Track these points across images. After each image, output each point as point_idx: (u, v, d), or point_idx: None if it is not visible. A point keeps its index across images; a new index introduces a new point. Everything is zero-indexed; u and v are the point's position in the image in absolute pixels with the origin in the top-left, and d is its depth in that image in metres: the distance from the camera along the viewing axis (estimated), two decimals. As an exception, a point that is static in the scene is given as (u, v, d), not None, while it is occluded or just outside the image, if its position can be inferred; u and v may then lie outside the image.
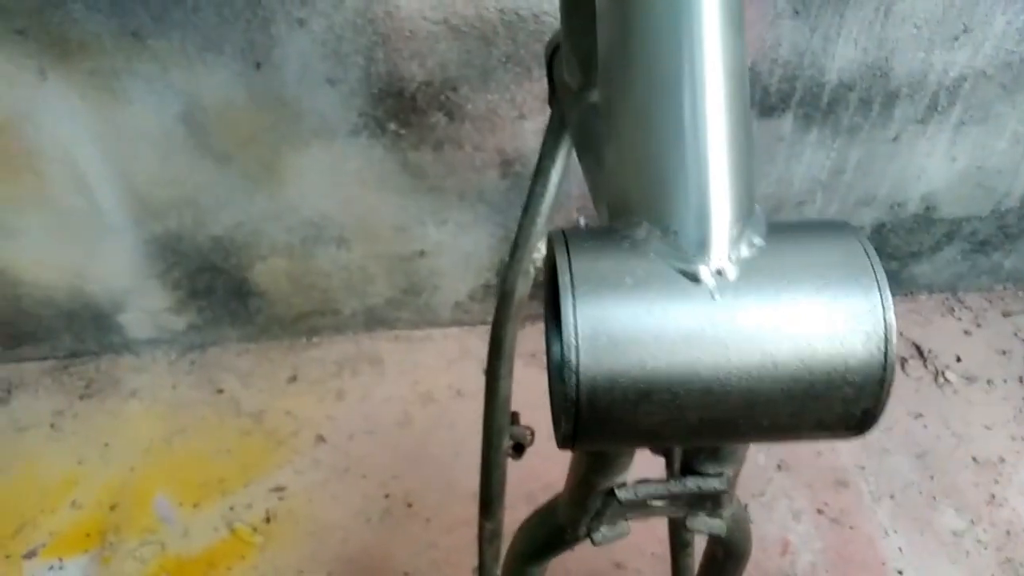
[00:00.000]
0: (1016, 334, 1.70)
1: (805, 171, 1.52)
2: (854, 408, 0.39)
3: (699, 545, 0.76)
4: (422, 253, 1.58)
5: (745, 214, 0.41)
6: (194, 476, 1.44)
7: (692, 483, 0.51)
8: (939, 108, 1.46)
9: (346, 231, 1.52)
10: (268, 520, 1.37)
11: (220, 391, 1.60)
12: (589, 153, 0.67)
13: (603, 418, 0.39)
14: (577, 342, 0.38)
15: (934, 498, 1.39)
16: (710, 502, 0.54)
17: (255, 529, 1.36)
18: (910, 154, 1.53)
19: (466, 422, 1.51)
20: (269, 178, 1.41)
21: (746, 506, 1.35)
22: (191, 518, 1.38)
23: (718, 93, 0.41)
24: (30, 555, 1.34)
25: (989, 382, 1.60)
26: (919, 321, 1.72)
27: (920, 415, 1.52)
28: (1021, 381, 1.60)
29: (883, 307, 0.38)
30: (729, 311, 0.38)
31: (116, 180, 1.37)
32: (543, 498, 0.65)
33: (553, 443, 0.43)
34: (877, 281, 0.39)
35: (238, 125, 1.33)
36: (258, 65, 1.24)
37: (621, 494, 0.52)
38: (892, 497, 1.39)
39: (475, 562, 1.10)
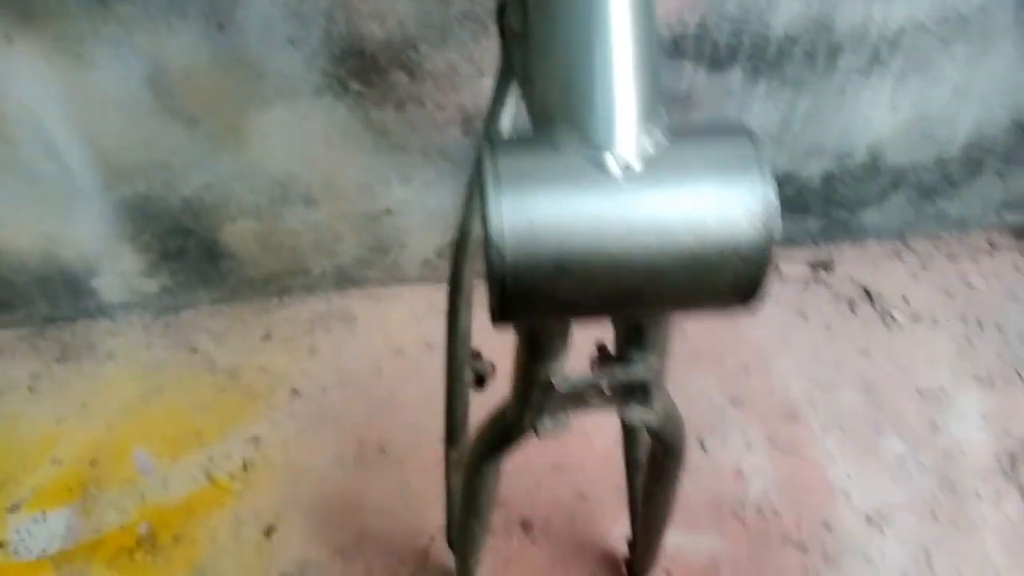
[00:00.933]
0: (960, 277, 1.78)
1: (755, 122, 1.58)
2: (743, 279, 0.45)
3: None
4: (388, 211, 1.63)
5: (649, 117, 0.47)
6: (172, 431, 1.49)
7: (620, 371, 0.58)
8: (881, 60, 1.52)
9: (313, 190, 1.56)
10: (245, 468, 1.42)
11: (195, 351, 1.64)
12: (528, 85, 0.72)
13: (527, 292, 0.45)
14: (503, 228, 0.43)
15: (880, 427, 1.48)
16: (640, 393, 0.60)
17: (233, 477, 1.41)
18: (855, 105, 1.59)
19: (435, 372, 1.54)
20: (235, 139, 1.44)
21: (701, 442, 1.42)
22: (170, 469, 1.43)
23: (624, 17, 0.47)
24: (13, 509, 1.38)
25: (934, 321, 1.68)
26: (868, 266, 1.80)
27: (868, 353, 1.60)
28: (963, 320, 1.68)
29: (765, 192, 0.44)
30: (634, 196, 0.44)
31: (84, 144, 1.40)
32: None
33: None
34: (761, 171, 0.45)
35: (203, 87, 1.36)
36: (221, 26, 1.27)
37: (558, 384, 0.58)
38: (840, 427, 1.47)
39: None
